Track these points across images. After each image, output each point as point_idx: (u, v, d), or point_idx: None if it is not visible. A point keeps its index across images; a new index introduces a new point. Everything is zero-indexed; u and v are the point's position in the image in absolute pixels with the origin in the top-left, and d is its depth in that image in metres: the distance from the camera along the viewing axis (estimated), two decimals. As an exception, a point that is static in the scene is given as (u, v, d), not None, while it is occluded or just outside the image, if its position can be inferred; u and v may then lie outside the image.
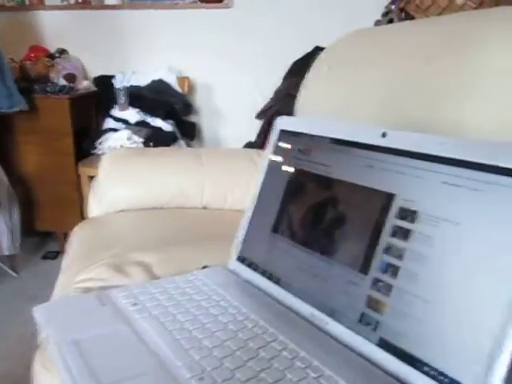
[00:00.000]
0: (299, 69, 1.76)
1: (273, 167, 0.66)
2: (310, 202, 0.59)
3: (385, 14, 1.89)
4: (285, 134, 0.66)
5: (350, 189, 0.55)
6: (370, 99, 0.99)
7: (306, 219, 0.59)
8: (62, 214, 2.11)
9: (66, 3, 2.38)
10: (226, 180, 1.41)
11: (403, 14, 1.76)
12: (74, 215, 2.08)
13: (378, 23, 1.89)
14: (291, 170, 0.63)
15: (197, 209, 1.34)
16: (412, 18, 1.76)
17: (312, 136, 0.61)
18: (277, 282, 0.60)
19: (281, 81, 2.04)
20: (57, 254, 2.20)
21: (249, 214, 0.67)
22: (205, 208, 1.35)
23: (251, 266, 0.64)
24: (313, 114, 1.30)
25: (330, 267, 0.54)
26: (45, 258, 2.18)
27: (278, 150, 0.66)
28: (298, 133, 0.64)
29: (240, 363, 0.46)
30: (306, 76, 1.42)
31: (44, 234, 2.32)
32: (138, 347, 0.48)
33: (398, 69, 0.93)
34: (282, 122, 0.67)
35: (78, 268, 0.94)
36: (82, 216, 2.07)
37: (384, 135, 0.52)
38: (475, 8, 1.61)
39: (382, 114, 0.89)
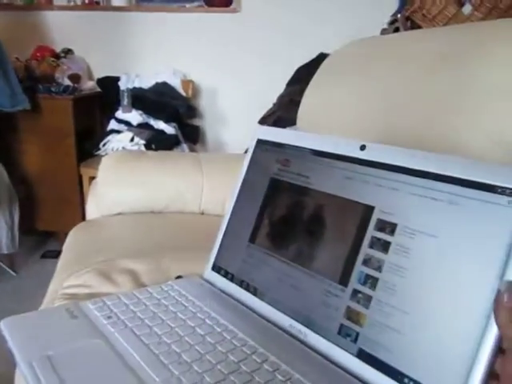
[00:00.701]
0: (303, 75, 1.76)
1: (250, 176, 0.65)
2: (287, 212, 0.59)
3: (391, 23, 1.87)
4: (263, 144, 0.65)
5: (328, 200, 0.55)
6: (368, 109, 0.98)
7: (283, 229, 0.58)
8: (62, 213, 2.11)
9: (73, 4, 2.39)
10: (225, 186, 1.39)
11: (409, 23, 1.75)
12: (74, 215, 2.08)
13: (384, 32, 1.88)
14: (269, 179, 0.62)
15: (194, 214, 1.33)
16: (418, 27, 1.75)
17: (291, 147, 0.61)
18: (254, 292, 0.59)
19: (284, 87, 2.03)
20: (58, 254, 2.19)
21: (225, 222, 0.66)
22: (202, 214, 1.34)
23: (227, 275, 0.63)
24: (315, 121, 1.30)
25: (308, 278, 0.54)
26: (44, 257, 2.18)
27: (255, 160, 0.65)
28: (277, 143, 0.63)
29: (221, 377, 0.45)
30: (309, 82, 1.42)
31: (44, 234, 2.32)
32: (114, 362, 0.47)
33: (397, 80, 0.92)
34: (261, 132, 0.66)
35: (69, 272, 0.94)
36: (82, 217, 2.07)
37: (363, 148, 0.53)
38: (482, 18, 1.59)
39: (380, 124, 0.88)
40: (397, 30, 1.82)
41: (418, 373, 0.42)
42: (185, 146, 2.10)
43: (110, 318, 0.54)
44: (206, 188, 1.37)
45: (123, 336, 0.51)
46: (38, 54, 2.27)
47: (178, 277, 0.67)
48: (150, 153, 1.52)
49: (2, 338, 0.54)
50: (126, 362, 0.47)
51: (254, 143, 0.66)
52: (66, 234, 2.18)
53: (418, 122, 0.77)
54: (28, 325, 0.53)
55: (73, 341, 0.50)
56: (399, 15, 1.80)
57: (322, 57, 1.80)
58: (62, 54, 2.32)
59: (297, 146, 0.60)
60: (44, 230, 2.23)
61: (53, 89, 2.00)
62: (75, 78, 2.15)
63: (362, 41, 1.31)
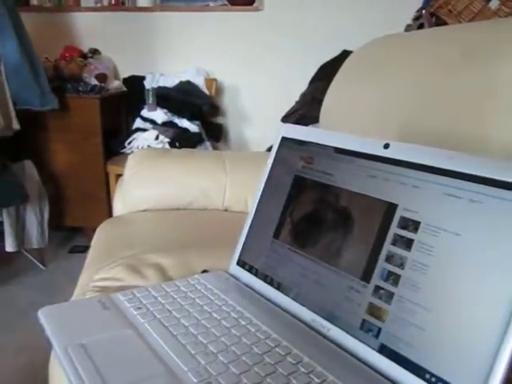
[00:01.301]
0: (326, 73, 1.76)
1: (274, 173, 0.67)
2: (311, 209, 0.60)
3: (416, 19, 1.85)
4: (287, 142, 0.66)
5: (352, 197, 0.56)
6: (392, 107, 0.98)
7: (307, 226, 0.60)
8: (89, 210, 2.17)
9: (99, 5, 2.44)
10: (248, 183, 1.41)
11: (434, 19, 1.73)
12: (101, 212, 2.13)
13: (408, 28, 1.86)
14: (293, 177, 0.63)
15: (217, 211, 1.35)
16: (444, 22, 1.73)
17: (314, 144, 0.62)
18: (277, 287, 0.61)
19: (307, 84, 2.04)
20: (85, 249, 2.26)
21: (250, 219, 0.67)
22: (226, 210, 1.36)
23: (251, 270, 0.65)
24: (338, 119, 1.30)
25: (331, 274, 0.55)
26: (72, 251, 2.24)
27: (279, 157, 0.67)
28: (301, 141, 0.64)
29: (245, 368, 0.47)
30: (332, 80, 1.42)
31: (72, 230, 2.38)
32: (144, 351, 0.49)
33: (421, 77, 0.91)
34: (285, 130, 0.67)
35: (99, 266, 0.97)
36: (109, 213, 2.12)
37: (387, 146, 0.54)
38: (510, 14, 1.56)
39: (403, 122, 0.88)
40: (421, 26, 1.80)
41: (440, 369, 0.43)
42: (208, 143, 2.13)
43: (139, 309, 0.57)
44: (229, 185, 1.39)
45: (152, 326, 0.53)
46: (67, 55, 2.33)
47: (204, 271, 0.69)
48: (175, 151, 1.54)
49: (39, 327, 0.57)
50: (155, 352, 0.49)
51: (278, 141, 0.68)
52: (92, 230, 2.24)
53: (442, 121, 0.77)
54: (63, 314, 0.56)
55: (105, 330, 0.52)
56: (424, 11, 1.78)
57: (345, 54, 1.80)
58: (90, 54, 2.38)
59: (321, 144, 0.62)
60: (72, 225, 2.29)
61: (80, 88, 2.05)
62: (102, 77, 2.20)
63: (386, 38, 1.30)
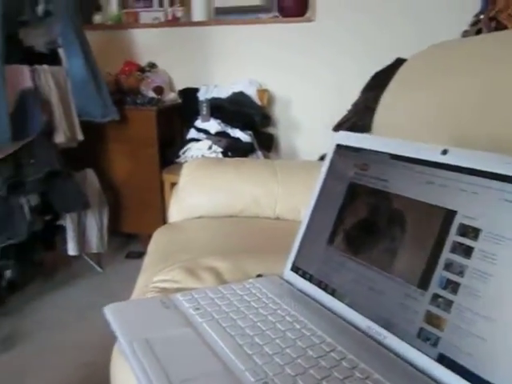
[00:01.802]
0: (379, 81, 1.74)
1: (329, 180, 0.67)
2: (366, 215, 0.60)
3: (473, 24, 1.80)
4: (341, 149, 0.67)
5: (408, 204, 0.55)
6: (447, 114, 0.96)
7: (362, 233, 0.60)
8: (145, 217, 2.25)
9: (157, 21, 2.55)
10: (299, 191, 1.42)
11: (493, 24, 1.67)
12: (156, 219, 2.20)
13: (465, 34, 1.81)
14: (347, 183, 0.64)
15: (269, 219, 1.36)
16: (504, 27, 1.67)
17: (370, 151, 0.62)
18: (332, 293, 0.61)
19: (358, 94, 2.02)
20: (140, 254, 2.34)
21: (304, 225, 0.68)
22: (277, 219, 1.37)
23: (305, 276, 0.66)
24: (391, 127, 1.28)
25: (386, 281, 0.54)
26: (128, 257, 2.33)
27: (334, 164, 0.67)
28: (356, 148, 0.64)
29: (301, 370, 0.48)
30: (385, 89, 1.40)
31: (128, 236, 2.48)
32: (202, 349, 0.51)
33: (479, 83, 0.89)
34: (339, 137, 0.68)
35: (156, 269, 1.01)
36: (163, 220, 2.19)
37: (445, 152, 0.53)
38: None
39: (459, 129, 0.86)
40: (479, 31, 1.75)
41: (501, 381, 0.41)
42: (259, 153, 2.16)
43: (198, 309, 0.59)
44: (281, 194, 1.40)
45: (210, 326, 0.55)
46: (126, 69, 2.45)
47: (259, 275, 0.71)
48: (228, 159, 1.58)
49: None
50: (213, 350, 0.51)
51: (332, 148, 0.68)
52: (148, 236, 2.32)
53: (502, 126, 0.75)
54: (127, 311, 0.59)
55: (166, 328, 0.55)
56: (482, 16, 1.73)
57: (399, 62, 1.77)
58: (147, 68, 2.49)
59: (376, 151, 0.62)
60: (128, 232, 2.39)
61: (138, 101, 2.15)
62: (159, 90, 2.29)
63: (443, 44, 1.28)
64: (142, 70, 2.47)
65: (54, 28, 1.87)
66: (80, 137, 1.90)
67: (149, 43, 2.60)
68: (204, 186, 1.44)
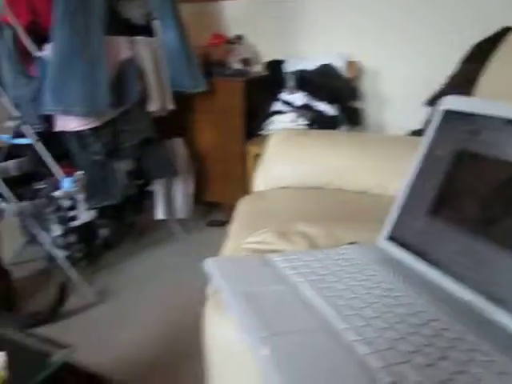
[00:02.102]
0: (481, 52, 1.61)
1: (434, 148, 0.64)
2: (476, 184, 0.56)
3: None
4: (450, 115, 0.63)
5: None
6: None
7: (471, 202, 0.56)
8: (227, 187, 2.31)
9: (246, -7, 2.56)
10: (387, 166, 1.37)
11: None
12: (238, 189, 2.25)
13: None
14: (456, 151, 0.60)
15: (354, 192, 1.34)
16: None
17: (482, 116, 0.58)
18: (432, 263, 0.59)
19: (456, 65, 1.89)
20: (221, 223, 2.42)
21: (403, 194, 0.66)
22: (365, 192, 1.35)
23: (403, 246, 0.63)
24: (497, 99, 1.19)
25: (496, 253, 0.51)
26: (209, 225, 2.42)
27: (440, 131, 0.64)
28: (466, 113, 0.60)
29: (398, 336, 0.47)
30: (489, 60, 1.30)
31: (210, 204, 2.57)
32: (301, 306, 0.52)
33: None
34: (448, 102, 0.64)
35: (245, 233, 1.04)
36: (245, 191, 2.24)
37: None
38: None
39: None
40: None
41: None
42: (345, 127, 2.11)
43: (294, 269, 0.60)
44: (368, 168, 1.37)
45: (306, 286, 0.56)
46: (214, 41, 2.50)
47: (352, 243, 0.70)
48: (314, 131, 1.57)
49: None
50: (311, 308, 0.51)
51: (440, 113, 0.65)
52: (229, 206, 2.39)
53: None
54: (227, 266, 0.62)
55: (265, 284, 0.56)
56: None
57: (505, 31, 1.63)
58: (235, 40, 2.51)
59: (489, 116, 0.58)
60: (210, 200, 2.47)
61: (226, 72, 2.18)
62: (246, 61, 2.31)
63: None
64: (229, 42, 2.50)
65: (149, 0, 1.94)
66: (170, 106, 1.98)
67: (237, 16, 2.61)
68: (290, 157, 1.44)
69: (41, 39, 1.62)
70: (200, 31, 2.48)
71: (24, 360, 0.82)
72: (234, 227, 1.19)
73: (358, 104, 2.35)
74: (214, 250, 2.16)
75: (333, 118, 2.05)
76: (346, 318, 0.49)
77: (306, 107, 2.08)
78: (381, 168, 1.37)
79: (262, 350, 0.42)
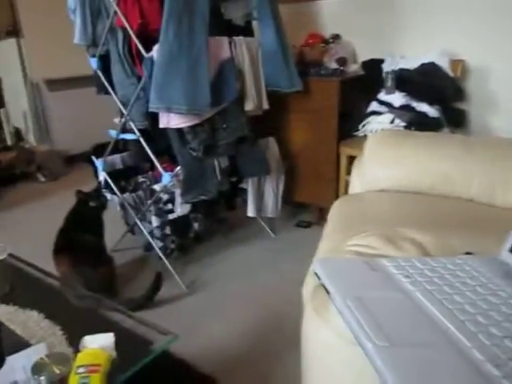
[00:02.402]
0: None
1: None
2: None
3: None
4: None
5: None
6: None
7: None
8: (318, 188, 2.28)
9: (345, -9, 2.50)
10: (499, 173, 1.27)
11: None
12: (329, 191, 2.22)
13: None
14: None
15: (462, 200, 1.25)
16: None
17: None
18: None
19: None
20: (309, 224, 2.40)
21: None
22: (471, 201, 1.25)
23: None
24: None
25: None
26: (297, 225, 2.41)
27: None
28: None
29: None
30: None
31: (298, 205, 2.56)
32: (419, 317, 0.49)
33: None
34: None
35: (343, 236, 1.01)
36: (336, 193, 2.20)
37: None
38: None
39: None
40: None
41: None
42: (447, 130, 1.99)
43: (407, 277, 0.57)
44: (477, 174, 1.27)
45: (424, 296, 0.52)
46: (310, 41, 2.48)
47: (468, 253, 0.65)
48: (416, 133, 1.49)
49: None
50: (431, 320, 0.48)
51: None
52: (318, 207, 2.36)
53: None
54: (335, 268, 0.60)
55: (376, 289, 0.54)
56: None
57: None
58: (331, 40, 2.48)
59: None
60: (299, 201, 2.45)
61: (322, 72, 2.15)
62: (342, 61, 2.26)
63: None
64: (325, 41, 2.47)
65: (251, 1, 1.97)
66: (265, 105, 2.00)
67: (334, 14, 2.57)
68: (389, 159, 1.38)
69: (148, 41, 1.72)
70: (297, 31, 2.48)
71: (128, 343, 0.87)
72: (330, 229, 1.17)
73: (461, 105, 2.20)
74: (301, 250, 2.15)
75: (433, 119, 1.94)
76: (471, 334, 0.45)
77: (404, 108, 1.98)
78: (488, 175, 1.27)
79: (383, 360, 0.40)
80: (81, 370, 0.68)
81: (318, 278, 0.57)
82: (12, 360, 0.80)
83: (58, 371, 0.68)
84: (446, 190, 1.30)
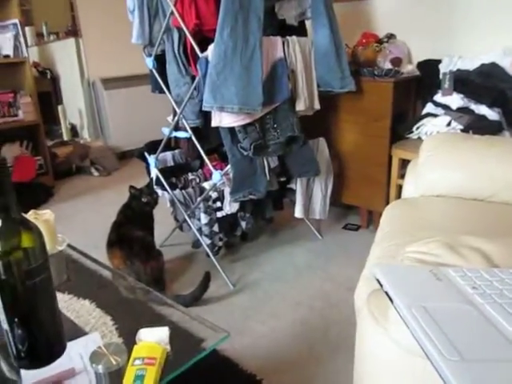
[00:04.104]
0: None
1: None
2: None
3: None
4: None
5: None
6: None
7: None
8: (367, 191, 2.24)
9: (402, -11, 2.43)
10: None
11: None
12: (379, 194, 2.17)
13: None
14: None
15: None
16: None
17: None
18: None
19: None
20: (357, 227, 2.36)
21: None
22: (537, 208, 1.18)
23: None
24: None
25: None
26: (345, 228, 2.37)
27: None
28: None
29: None
30: None
31: (346, 207, 2.52)
32: (489, 331, 0.46)
33: None
34: None
35: (398, 241, 0.98)
36: (387, 197, 2.14)
37: None
38: None
39: None
40: None
41: None
42: (507, 133, 1.89)
43: (475, 288, 0.54)
44: (543, 181, 1.20)
45: (495, 309, 0.50)
46: (364, 41, 2.43)
47: (540, 266, 0.61)
48: (477, 137, 1.43)
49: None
50: (504, 336, 0.45)
51: None
52: (367, 211, 2.31)
53: None
54: (397, 275, 0.58)
55: (442, 299, 0.52)
56: None
57: None
58: (385, 39, 2.41)
59: None
60: (347, 203, 2.41)
61: (376, 72, 2.10)
62: (396, 61, 2.21)
63: None
64: (379, 41, 2.41)
65: (305, 0, 1.96)
66: (317, 106, 1.97)
67: (388, 13, 2.51)
68: (447, 164, 1.33)
69: (203, 41, 1.74)
70: (350, 31, 2.44)
71: (178, 338, 0.88)
72: (383, 233, 1.14)
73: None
74: (348, 254, 2.12)
75: (493, 122, 1.85)
76: (550, 353, 0.42)
77: (462, 110, 1.91)
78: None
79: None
80: (137, 362, 0.69)
81: (380, 284, 0.55)
82: (69, 347, 0.83)
83: (114, 362, 0.70)
84: (510, 198, 1.23)
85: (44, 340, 0.76)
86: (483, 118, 1.87)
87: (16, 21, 3.08)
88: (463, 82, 1.96)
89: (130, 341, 0.78)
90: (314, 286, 1.85)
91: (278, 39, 1.79)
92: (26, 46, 3.16)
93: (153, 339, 0.75)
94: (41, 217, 1.02)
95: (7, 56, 3.10)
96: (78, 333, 0.92)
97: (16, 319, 0.71)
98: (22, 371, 0.77)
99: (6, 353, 0.76)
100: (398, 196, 1.90)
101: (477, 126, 1.83)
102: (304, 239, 2.26)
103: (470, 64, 2.07)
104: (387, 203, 1.61)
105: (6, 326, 0.71)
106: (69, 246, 1.24)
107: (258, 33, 1.64)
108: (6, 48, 3.10)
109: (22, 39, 3.10)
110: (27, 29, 3.73)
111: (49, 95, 4.24)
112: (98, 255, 1.26)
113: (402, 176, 1.77)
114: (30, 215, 1.01)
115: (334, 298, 1.76)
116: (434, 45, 2.34)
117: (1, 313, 0.71)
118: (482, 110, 1.89)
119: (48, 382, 0.76)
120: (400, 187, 1.82)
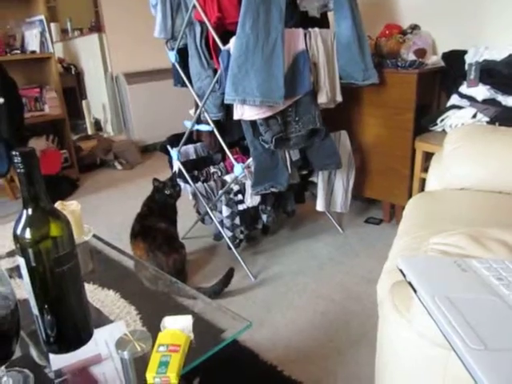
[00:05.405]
0: None
1: None
2: None
3: None
4: None
5: None
6: None
7: None
8: (390, 185, 2.21)
9: (427, -22, 2.38)
10: None
11: None
12: (401, 187, 2.15)
13: None
14: None
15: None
16: None
17: None
18: None
19: None
20: (379, 221, 2.34)
21: None
22: None
23: None
24: None
25: None
26: (367, 222, 2.36)
27: None
28: None
29: None
30: None
31: (368, 201, 2.50)
32: (515, 321, 0.46)
33: None
34: None
35: (422, 233, 0.97)
36: (409, 191, 2.11)
37: None
38: None
39: None
40: None
41: None
42: (536, 126, 1.84)
43: (500, 279, 0.53)
44: None
45: (521, 300, 0.49)
46: (387, 32, 2.40)
47: None
48: (504, 129, 1.39)
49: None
50: (530, 326, 0.45)
51: None
52: (389, 204, 2.29)
53: None
54: (421, 266, 0.57)
55: (467, 290, 0.51)
56: None
57: None
58: (409, 30, 2.37)
59: None
60: (369, 197, 2.39)
61: (399, 64, 2.07)
62: (421, 52, 2.17)
63: None
64: (403, 32, 2.37)
65: (327, -8, 1.94)
66: (339, 98, 1.96)
67: (413, 4, 2.47)
68: (472, 156, 1.31)
69: (225, 34, 1.75)
70: (373, 22, 2.41)
71: (200, 327, 0.89)
72: (406, 226, 1.13)
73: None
74: (369, 247, 2.11)
75: (522, 114, 1.81)
76: None
77: (489, 102, 1.86)
78: None
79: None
80: (162, 348, 0.71)
81: (404, 275, 0.55)
82: (96, 334, 0.85)
83: (139, 348, 0.71)
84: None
85: (72, 326, 0.78)
86: (511, 109, 1.83)
87: (42, 17, 3.14)
88: (490, 72, 1.91)
89: (153, 330, 0.80)
90: (335, 279, 1.85)
91: (300, 31, 1.78)
92: (52, 41, 3.22)
93: (177, 327, 0.77)
94: (67, 207, 1.04)
95: (34, 52, 3.17)
96: (104, 321, 0.95)
97: (45, 305, 0.73)
98: (51, 356, 0.80)
99: (36, 338, 0.79)
100: (421, 190, 1.88)
101: (504, 118, 1.79)
102: (325, 233, 2.26)
103: (498, 54, 2.01)
104: (410, 197, 1.58)
105: (36, 312, 0.74)
106: (94, 236, 1.27)
107: (279, 25, 1.64)
108: (33, 44, 3.17)
109: (47, 35, 3.16)
110: (52, 25, 3.80)
111: (73, 90, 4.32)
112: (121, 247, 1.28)
113: (426, 169, 1.74)
114: (57, 206, 1.04)
115: (354, 291, 1.75)
116: (459, 35, 2.29)
117: (31, 299, 0.73)
118: (510, 101, 1.84)
119: (76, 367, 0.78)
120: (423, 181, 1.79)
